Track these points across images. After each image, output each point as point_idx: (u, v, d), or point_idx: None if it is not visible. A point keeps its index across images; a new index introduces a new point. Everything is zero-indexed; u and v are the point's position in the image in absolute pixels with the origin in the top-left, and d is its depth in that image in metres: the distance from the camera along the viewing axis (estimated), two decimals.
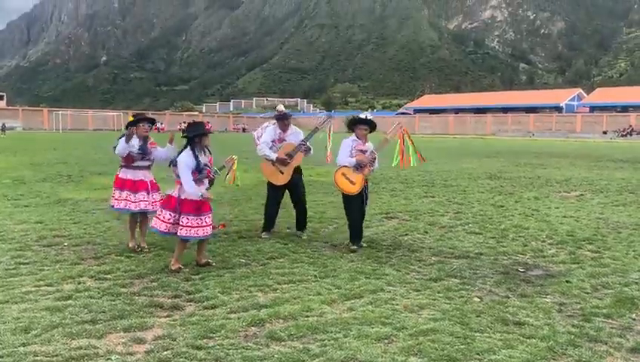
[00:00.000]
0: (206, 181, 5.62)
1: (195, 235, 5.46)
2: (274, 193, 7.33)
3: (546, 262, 6.19)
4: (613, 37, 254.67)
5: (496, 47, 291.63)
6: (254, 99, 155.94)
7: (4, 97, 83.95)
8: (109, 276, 5.35)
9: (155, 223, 5.58)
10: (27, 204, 9.58)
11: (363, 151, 6.59)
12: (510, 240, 7.33)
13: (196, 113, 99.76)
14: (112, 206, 6.50)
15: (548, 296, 4.94)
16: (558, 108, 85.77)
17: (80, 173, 14.97)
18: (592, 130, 71.78)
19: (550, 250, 6.79)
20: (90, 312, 4.31)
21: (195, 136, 5.50)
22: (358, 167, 6.51)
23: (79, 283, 5.07)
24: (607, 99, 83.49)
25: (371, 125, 6.67)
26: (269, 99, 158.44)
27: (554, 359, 3.60)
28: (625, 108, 77.35)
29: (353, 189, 6.50)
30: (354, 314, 4.38)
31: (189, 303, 4.63)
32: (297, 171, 7.25)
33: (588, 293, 5.04)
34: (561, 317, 4.42)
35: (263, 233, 7.29)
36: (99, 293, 4.78)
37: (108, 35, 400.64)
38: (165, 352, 3.60)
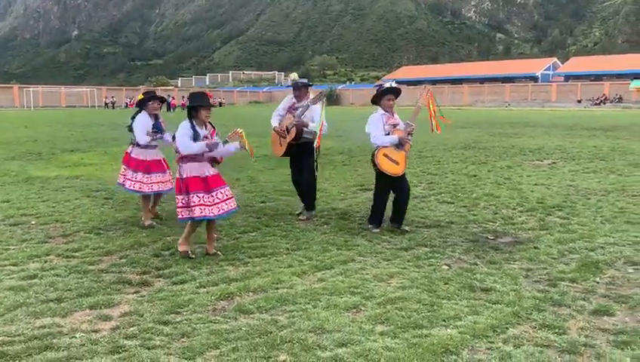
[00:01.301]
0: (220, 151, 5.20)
1: (210, 214, 5.01)
2: (291, 170, 7.05)
3: (516, 229, 6.27)
4: (588, 6, 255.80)
5: (473, 17, 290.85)
6: (231, 72, 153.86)
7: None
8: (76, 254, 5.27)
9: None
10: None
11: (395, 126, 6.05)
12: (481, 208, 7.40)
13: (171, 88, 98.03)
14: (123, 185, 6.49)
15: (515, 263, 5.01)
16: (533, 78, 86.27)
17: (51, 151, 14.64)
18: (566, 99, 72.42)
19: (520, 217, 6.87)
20: (56, 291, 4.24)
21: (193, 107, 5.08)
22: (399, 144, 5.96)
23: (45, 262, 4.99)
24: (581, 68, 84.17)
25: (397, 93, 6.12)
26: (245, 72, 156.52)
27: (518, 323, 3.66)
28: (599, 77, 78.16)
29: (399, 169, 5.98)
30: (324, 284, 4.40)
31: (157, 279, 4.59)
32: (306, 152, 6.64)
33: (555, 259, 5.12)
34: (527, 282, 4.49)
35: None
36: (66, 271, 4.71)
37: (78, 8, 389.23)
38: (131, 328, 3.57)
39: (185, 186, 5.04)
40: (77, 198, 8.06)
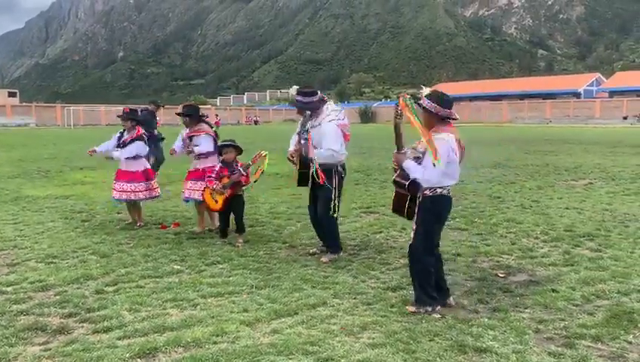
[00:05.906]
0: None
1: (125, 198, 7.03)
2: (309, 205, 5.87)
3: (534, 264, 5.24)
4: (635, 20, 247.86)
5: (514, 33, 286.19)
6: (268, 91, 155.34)
7: (17, 94, 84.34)
8: (9, 289, 4.55)
9: None
10: None
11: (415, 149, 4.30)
12: (498, 236, 6.39)
13: (209, 106, 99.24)
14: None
15: (526, 311, 4.01)
16: (576, 94, 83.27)
17: (60, 169, 14.27)
18: (611, 115, 69.30)
19: (542, 248, 5.84)
20: None
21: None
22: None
23: None
24: (627, 83, 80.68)
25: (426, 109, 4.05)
26: (282, 91, 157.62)
27: None
28: None
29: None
30: (275, 338, 3.51)
31: (81, 324, 3.80)
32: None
33: (577, 306, 4.10)
34: (536, 340, 3.50)
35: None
36: None
37: (124, 30, 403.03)
38: None
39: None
40: (52, 221, 7.42)
